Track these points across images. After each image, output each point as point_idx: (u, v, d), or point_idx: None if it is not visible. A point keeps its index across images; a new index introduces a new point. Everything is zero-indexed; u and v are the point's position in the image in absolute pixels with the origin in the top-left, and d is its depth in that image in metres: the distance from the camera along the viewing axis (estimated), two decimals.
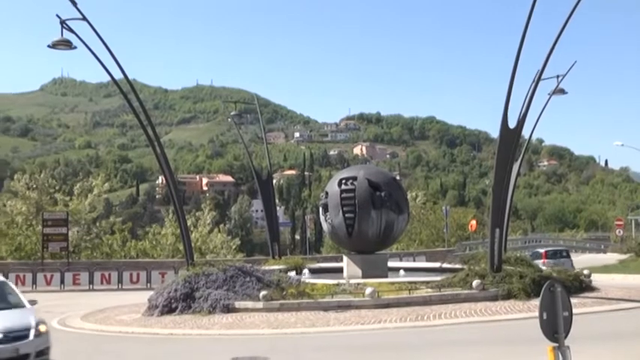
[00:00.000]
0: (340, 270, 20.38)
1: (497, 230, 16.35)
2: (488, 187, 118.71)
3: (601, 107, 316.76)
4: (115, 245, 35.35)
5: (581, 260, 36.67)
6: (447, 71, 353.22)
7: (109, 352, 12.14)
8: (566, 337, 5.67)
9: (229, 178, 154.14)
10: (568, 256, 30.12)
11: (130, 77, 18.49)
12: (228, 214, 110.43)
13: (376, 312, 14.28)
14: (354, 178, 19.40)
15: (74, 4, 16.33)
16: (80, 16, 16.47)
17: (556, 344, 5.66)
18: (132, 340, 13.42)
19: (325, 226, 20.66)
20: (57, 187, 36.01)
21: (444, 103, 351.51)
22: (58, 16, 16.58)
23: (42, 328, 9.62)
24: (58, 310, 17.70)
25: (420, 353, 10.81)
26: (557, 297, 5.66)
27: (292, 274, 18.77)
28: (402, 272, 20.10)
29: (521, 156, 23.81)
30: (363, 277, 18.34)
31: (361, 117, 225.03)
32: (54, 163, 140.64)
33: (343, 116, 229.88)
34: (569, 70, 21.93)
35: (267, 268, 20.14)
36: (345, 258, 20.42)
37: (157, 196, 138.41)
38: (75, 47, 17.03)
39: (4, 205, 34.39)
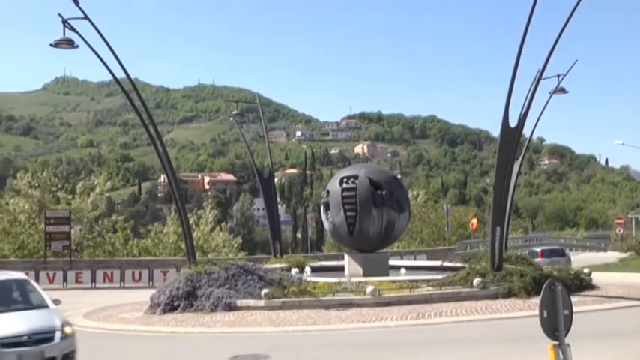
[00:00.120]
0: (341, 268, 20.45)
1: (498, 229, 16.40)
2: (489, 186, 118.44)
3: (601, 106, 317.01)
4: (118, 243, 35.41)
5: (581, 258, 36.77)
6: (448, 70, 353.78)
7: (111, 349, 12.20)
8: (566, 335, 5.69)
9: (231, 177, 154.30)
10: (563, 255, 30.60)
11: (132, 76, 18.51)
12: (230, 213, 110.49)
13: (377, 310, 14.33)
14: (356, 177, 19.44)
15: (76, 3, 16.37)
16: (82, 15, 16.51)
17: (556, 342, 5.68)
18: (134, 338, 13.48)
19: (326, 225, 20.72)
20: (59, 186, 36.05)
21: (445, 103, 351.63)
22: (60, 15, 16.64)
23: (67, 329, 9.06)
24: (60, 308, 17.70)
25: (421, 351, 10.84)
26: (557, 295, 5.68)
27: (294, 272, 18.82)
28: (403, 270, 20.12)
29: (521, 155, 23.80)
30: (365, 275, 18.39)
31: (362, 116, 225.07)
32: (56, 161, 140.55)
33: (344, 115, 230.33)
34: (569, 70, 21.95)
35: (268, 266, 20.19)
36: (346, 256, 20.48)
37: (159, 195, 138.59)
38: (77, 46, 17.07)
39: (7, 204, 34.44)
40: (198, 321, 14.47)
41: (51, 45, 17.01)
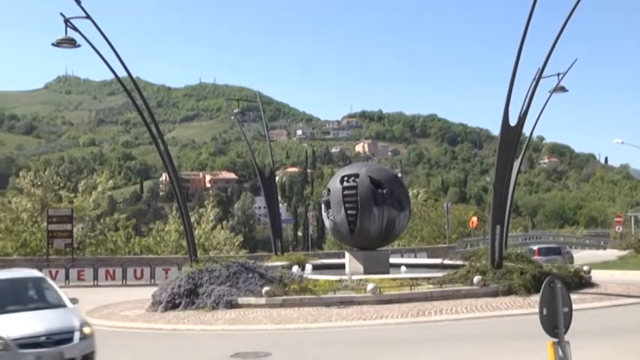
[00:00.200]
0: (342, 266, 20.50)
1: (498, 227, 16.43)
2: (489, 185, 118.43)
3: (601, 105, 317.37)
4: (119, 242, 35.48)
5: (580, 256, 36.83)
6: (449, 70, 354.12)
7: (113, 347, 12.23)
8: (566, 332, 5.72)
9: (232, 175, 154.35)
10: (559, 253, 30.88)
11: (134, 75, 18.60)
12: (231, 211, 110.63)
13: (378, 308, 14.38)
14: (356, 176, 19.49)
15: (78, 2, 16.43)
16: (84, 15, 16.57)
17: (556, 339, 5.71)
18: (136, 336, 13.56)
19: (327, 223, 20.76)
20: (61, 184, 36.13)
21: (445, 101, 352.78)
22: (62, 14, 16.72)
23: (86, 330, 8.70)
24: None
25: (422, 348, 10.87)
26: (557, 293, 5.71)
27: (295, 270, 18.89)
28: (403, 268, 20.20)
29: (521, 153, 23.84)
30: (365, 273, 18.42)
31: (363, 115, 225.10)
32: (58, 160, 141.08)
33: (345, 114, 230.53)
34: (569, 68, 21.95)
35: (269, 264, 20.27)
36: (347, 254, 20.53)
37: (161, 193, 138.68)
38: (79, 45, 17.14)
39: (10, 202, 34.55)
40: (199, 319, 14.53)
41: (53, 44, 17.07)
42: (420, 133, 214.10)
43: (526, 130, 23.02)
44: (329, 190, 20.13)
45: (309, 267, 21.60)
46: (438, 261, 23.02)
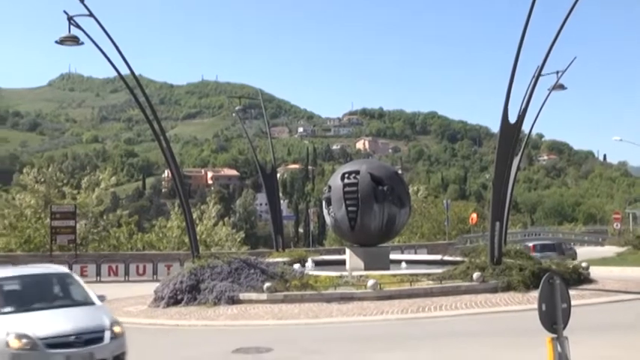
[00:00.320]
0: (343, 262, 20.60)
1: (498, 223, 16.52)
2: (488, 181, 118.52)
3: (600, 103, 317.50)
4: (122, 238, 35.63)
5: (579, 253, 36.83)
6: (449, 68, 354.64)
7: None
8: (564, 328, 5.74)
9: (234, 172, 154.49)
10: (554, 250, 31.37)
11: (137, 73, 18.64)
12: (233, 208, 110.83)
13: (378, 304, 14.46)
14: (357, 172, 19.58)
15: (81, 0, 16.56)
16: (87, 13, 16.67)
17: (555, 335, 5.72)
18: (138, 331, 13.59)
19: (328, 220, 20.87)
20: (65, 181, 36.26)
21: (445, 99, 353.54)
22: (65, 12, 16.82)
23: (117, 329, 8.25)
24: None
25: (422, 344, 10.93)
26: (555, 289, 5.71)
27: (296, 266, 19.01)
28: (403, 265, 20.27)
29: (521, 150, 23.91)
30: (366, 269, 18.52)
31: (364, 112, 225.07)
32: (62, 157, 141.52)
33: (346, 111, 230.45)
34: (568, 66, 21.99)
35: (271, 260, 20.39)
36: (347, 251, 20.63)
37: (163, 190, 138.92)
38: (82, 43, 17.25)
39: (14, 199, 34.69)
40: (201, 314, 14.62)
41: (56, 42, 17.19)
42: (420, 130, 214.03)
43: (525, 128, 23.12)
44: (330, 187, 20.24)
45: (310, 263, 21.72)
46: (437, 257, 23.15)
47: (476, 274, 15.68)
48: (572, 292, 6.44)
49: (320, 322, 13.35)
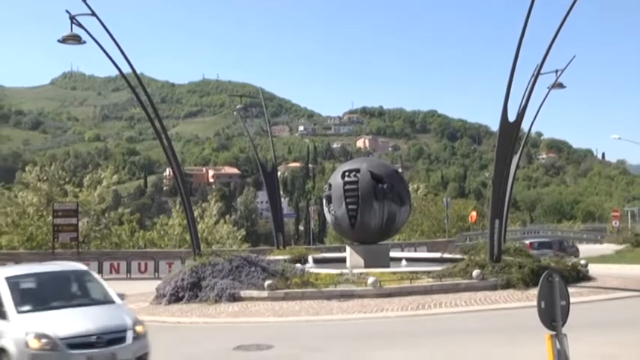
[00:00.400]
0: (343, 260, 20.66)
1: (497, 221, 16.58)
2: (488, 180, 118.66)
3: (599, 101, 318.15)
4: (124, 235, 35.70)
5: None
6: (448, 66, 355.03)
7: None
8: (563, 325, 5.77)
9: (235, 170, 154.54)
10: (550, 247, 31.62)
11: (138, 71, 18.80)
12: (234, 206, 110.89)
13: (378, 301, 14.52)
14: (357, 171, 19.64)
15: (83, 0, 16.66)
16: (89, 12, 16.77)
17: (554, 332, 5.75)
18: None
19: (329, 218, 20.94)
20: (67, 179, 36.31)
21: (445, 98, 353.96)
22: (67, 11, 16.92)
23: (139, 328, 8.04)
24: None
25: (422, 341, 10.99)
26: (555, 286, 5.73)
27: (297, 266, 19.08)
28: (403, 262, 20.32)
29: (520, 149, 23.92)
30: (366, 267, 18.56)
31: (364, 111, 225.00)
32: (64, 155, 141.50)
33: (346, 110, 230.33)
34: (567, 65, 21.99)
35: (271, 258, 20.43)
36: (348, 248, 20.69)
37: (165, 188, 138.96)
38: (84, 42, 17.34)
39: (16, 197, 34.73)
40: (202, 312, 14.70)
41: (58, 41, 17.29)
42: (420, 128, 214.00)
43: (525, 126, 23.18)
44: (330, 185, 20.30)
45: (310, 261, 21.80)
46: (437, 255, 23.19)
47: (475, 272, 15.74)
48: (571, 290, 6.47)
49: (320, 319, 13.41)
